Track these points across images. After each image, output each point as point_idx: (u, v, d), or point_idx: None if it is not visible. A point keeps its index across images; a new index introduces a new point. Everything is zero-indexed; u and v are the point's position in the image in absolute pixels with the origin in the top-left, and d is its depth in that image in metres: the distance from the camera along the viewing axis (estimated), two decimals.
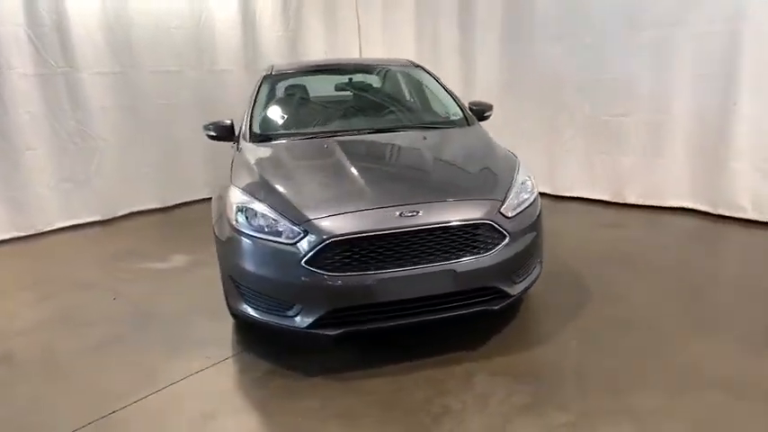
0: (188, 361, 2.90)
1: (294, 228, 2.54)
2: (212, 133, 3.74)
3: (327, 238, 2.46)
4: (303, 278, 2.50)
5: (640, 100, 4.77)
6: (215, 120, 3.83)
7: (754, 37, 4.03)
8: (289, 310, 2.62)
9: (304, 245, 2.49)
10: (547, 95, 5.31)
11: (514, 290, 2.75)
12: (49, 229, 5.41)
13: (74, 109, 5.41)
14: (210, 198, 6.14)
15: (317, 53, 7.13)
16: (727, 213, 4.44)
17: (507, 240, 2.64)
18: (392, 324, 2.59)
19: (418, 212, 2.53)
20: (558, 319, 3.07)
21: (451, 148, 3.28)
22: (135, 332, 3.31)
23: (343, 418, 2.36)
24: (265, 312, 2.72)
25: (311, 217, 2.53)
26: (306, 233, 2.51)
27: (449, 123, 3.65)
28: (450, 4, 5.98)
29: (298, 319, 2.59)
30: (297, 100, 4.05)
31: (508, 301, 2.74)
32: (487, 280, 2.64)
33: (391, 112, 3.82)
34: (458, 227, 2.55)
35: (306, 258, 2.48)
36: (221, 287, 3.72)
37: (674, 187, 4.73)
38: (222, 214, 2.87)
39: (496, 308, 2.71)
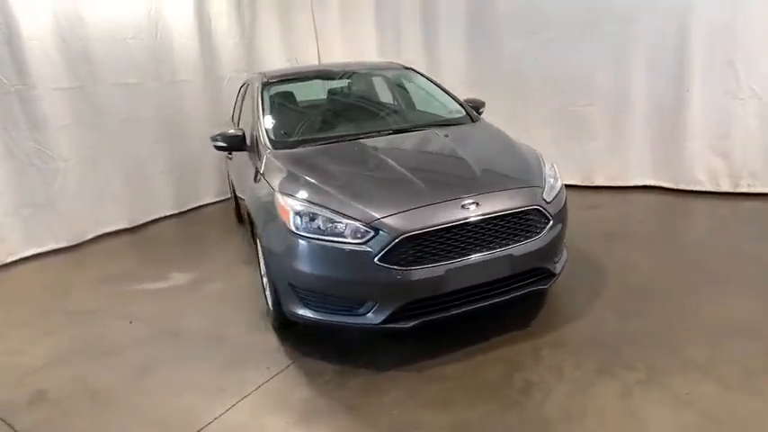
0: (247, 374, 2.87)
1: (362, 227, 2.61)
2: (222, 144, 3.67)
3: (401, 235, 2.55)
4: (377, 275, 2.57)
5: (602, 91, 5.23)
6: (220, 131, 3.76)
7: (702, 29, 4.58)
8: (359, 308, 2.68)
9: (376, 243, 2.57)
10: (514, 89, 5.65)
11: (556, 269, 2.99)
12: (12, 259, 5.00)
13: (31, 128, 5.02)
14: (177, 213, 6.11)
15: (275, 59, 7.08)
16: (686, 188, 5.00)
17: (551, 223, 2.88)
18: (461, 311, 2.73)
19: (478, 203, 2.69)
20: (584, 295, 3.34)
21: (476, 143, 3.46)
22: (173, 353, 3.20)
23: (437, 405, 2.47)
24: (331, 313, 2.76)
25: (380, 215, 2.61)
26: (377, 231, 2.58)
27: (456, 121, 3.83)
28: (411, 3, 6.18)
29: (370, 315, 2.66)
30: (305, 105, 4.06)
31: (554, 280, 2.97)
32: (537, 261, 2.86)
33: (400, 113, 3.96)
34: (513, 213, 2.74)
35: (379, 256, 2.56)
36: (240, 300, 3.74)
37: (638, 168, 5.24)
38: (273, 222, 2.86)
39: (546, 287, 2.94)
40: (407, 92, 4.28)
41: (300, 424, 2.45)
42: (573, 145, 5.46)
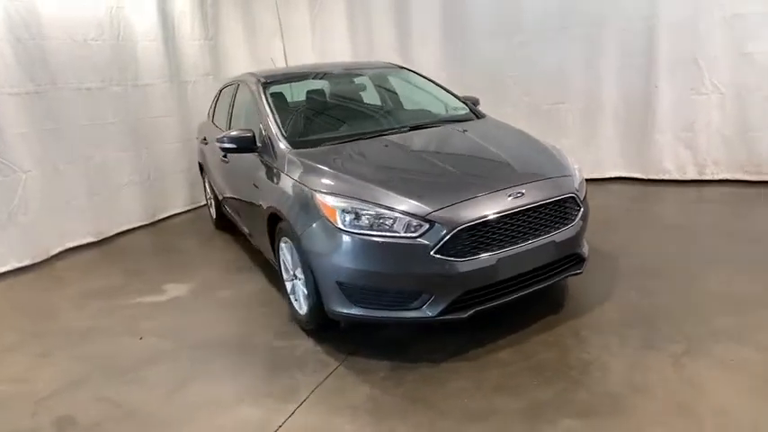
0: (295, 379, 2.79)
1: (415, 221, 2.60)
2: (231, 145, 3.52)
3: (458, 226, 2.58)
4: (433, 268, 2.58)
5: (575, 89, 5.54)
6: (225, 132, 3.62)
7: (667, 30, 4.97)
8: (413, 302, 2.67)
9: (431, 236, 2.58)
10: (489, 90, 5.77)
11: (585, 253, 3.14)
12: None
13: None
14: (146, 224, 5.77)
15: (240, 61, 6.88)
16: (656, 177, 5.39)
17: (582, 210, 3.02)
18: (510, 298, 2.79)
19: (523, 193, 2.77)
20: (601, 278, 3.49)
21: (496, 137, 3.54)
22: (203, 365, 3.03)
23: (504, 390, 2.51)
24: (383, 309, 2.73)
25: (434, 209, 2.62)
26: (431, 224, 2.59)
27: (464, 117, 3.90)
28: (383, 2, 6.23)
29: (425, 308, 2.66)
30: (312, 104, 3.99)
31: (585, 264, 3.11)
32: (573, 247, 2.99)
33: (408, 110, 3.99)
34: (555, 202, 2.85)
35: (435, 249, 2.57)
36: (254, 307, 3.62)
37: (611, 161, 5.58)
38: (316, 222, 2.78)
39: (581, 271, 3.07)
40: (409, 90, 4.30)
41: (374, 422, 2.40)
42: (547, 140, 5.70)
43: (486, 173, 3.01)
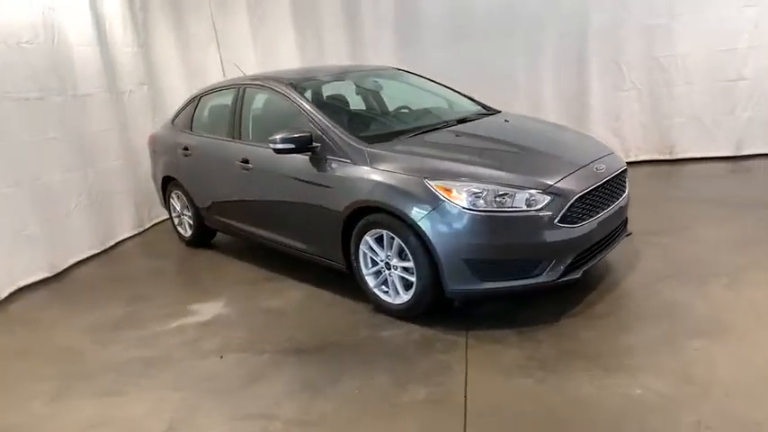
0: (436, 358, 2.88)
1: (536, 194, 2.90)
2: (288, 146, 3.44)
3: (574, 196, 2.94)
4: (557, 235, 2.90)
5: (521, 89, 6.27)
6: (281, 133, 3.48)
7: (597, 35, 5.95)
8: (534, 269, 2.95)
9: (553, 206, 2.89)
10: None
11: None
12: None
13: None
14: (100, 252, 5.15)
15: (174, 69, 6.44)
16: None
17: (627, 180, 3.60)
18: (602, 257, 3.23)
19: (604, 167, 3.23)
20: (618, 248, 3.99)
21: (537, 125, 3.97)
22: (324, 366, 2.95)
23: (629, 331, 2.95)
24: (508, 280, 2.96)
25: (553, 181, 2.94)
26: (552, 196, 2.91)
27: (484, 112, 4.25)
28: (334, 15, 6.37)
29: (545, 274, 2.95)
30: (349, 104, 4.02)
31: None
32: (626, 212, 3.54)
33: (439, 107, 4.22)
34: (620, 173, 3.37)
35: (558, 218, 2.90)
36: (320, 309, 3.66)
37: None
38: (440, 206, 2.90)
39: (631, 232, 3.62)
40: (421, 90, 4.50)
41: (549, 375, 2.60)
42: None
43: (563, 152, 3.40)
